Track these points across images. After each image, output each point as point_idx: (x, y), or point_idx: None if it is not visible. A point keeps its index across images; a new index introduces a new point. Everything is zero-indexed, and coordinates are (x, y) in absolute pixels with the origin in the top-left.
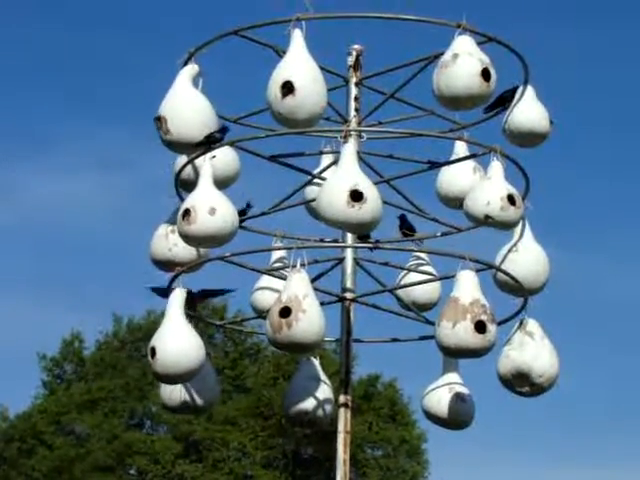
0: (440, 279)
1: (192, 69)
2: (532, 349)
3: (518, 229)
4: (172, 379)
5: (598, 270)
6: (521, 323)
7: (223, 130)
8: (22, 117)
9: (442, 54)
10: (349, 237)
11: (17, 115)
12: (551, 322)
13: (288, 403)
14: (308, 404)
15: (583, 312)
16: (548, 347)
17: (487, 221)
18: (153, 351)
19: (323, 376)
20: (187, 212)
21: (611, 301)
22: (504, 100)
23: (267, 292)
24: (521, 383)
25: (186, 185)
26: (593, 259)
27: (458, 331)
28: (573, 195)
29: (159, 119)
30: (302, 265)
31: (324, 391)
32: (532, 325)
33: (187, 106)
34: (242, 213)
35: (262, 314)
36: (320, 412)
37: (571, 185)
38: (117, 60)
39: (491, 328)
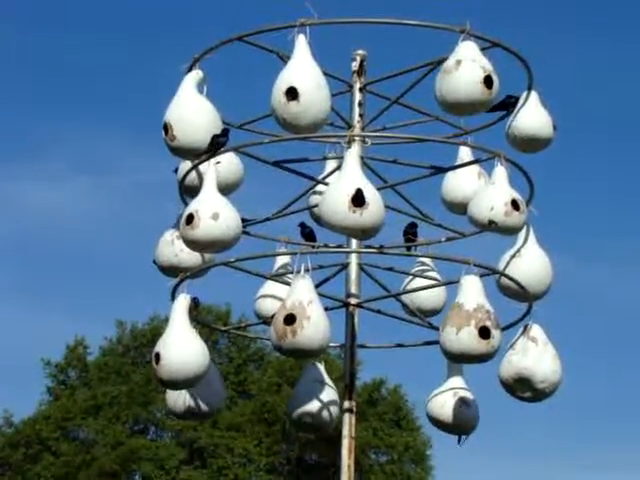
0: (444, 284)
1: (196, 75)
2: (535, 354)
3: (522, 234)
4: (176, 385)
5: (600, 277)
6: (525, 328)
7: (225, 133)
8: (17, 123)
9: (446, 59)
10: (353, 242)
11: (11, 121)
12: (556, 329)
13: (293, 407)
14: (313, 408)
15: (584, 319)
16: (551, 353)
17: (491, 226)
18: (157, 357)
19: (328, 380)
20: (190, 217)
21: (612, 308)
22: (506, 104)
23: (271, 298)
24: (523, 388)
25: (190, 191)
26: (594, 266)
27: (462, 337)
28: (574, 201)
29: (165, 126)
30: (306, 271)
31: (329, 395)
32: (536, 331)
33: (193, 112)
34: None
35: (266, 320)
36: (325, 416)
37: (572, 191)
38: (116, 65)
39: (495, 333)
